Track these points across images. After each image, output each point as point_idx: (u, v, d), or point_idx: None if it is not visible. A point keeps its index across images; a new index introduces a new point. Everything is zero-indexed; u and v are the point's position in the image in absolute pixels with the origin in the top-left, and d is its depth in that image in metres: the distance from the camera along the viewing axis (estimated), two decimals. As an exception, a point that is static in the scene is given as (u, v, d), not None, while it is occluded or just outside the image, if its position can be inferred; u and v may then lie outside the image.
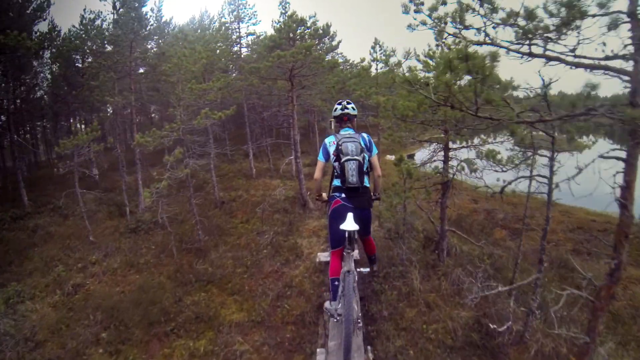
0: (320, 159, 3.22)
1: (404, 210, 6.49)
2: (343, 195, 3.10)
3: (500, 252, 7.93)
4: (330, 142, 3.23)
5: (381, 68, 8.20)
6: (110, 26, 13.18)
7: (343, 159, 3.05)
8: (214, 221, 9.89)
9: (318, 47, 10.84)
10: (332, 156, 3.14)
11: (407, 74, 5.79)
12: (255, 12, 17.60)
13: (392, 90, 9.04)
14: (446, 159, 6.19)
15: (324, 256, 7.02)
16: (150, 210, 10.57)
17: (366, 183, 3.17)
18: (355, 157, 3.05)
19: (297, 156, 10.54)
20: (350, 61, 30.75)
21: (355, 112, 3.33)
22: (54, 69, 17.55)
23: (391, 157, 20.77)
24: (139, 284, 7.59)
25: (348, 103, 3.31)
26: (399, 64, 8.00)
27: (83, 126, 21.34)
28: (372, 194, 3.28)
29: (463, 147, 6.25)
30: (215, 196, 11.73)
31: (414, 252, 6.76)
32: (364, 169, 3.11)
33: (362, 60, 8.13)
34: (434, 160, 6.33)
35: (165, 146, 6.87)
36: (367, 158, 3.14)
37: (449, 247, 7.27)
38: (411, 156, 16.90)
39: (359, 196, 3.08)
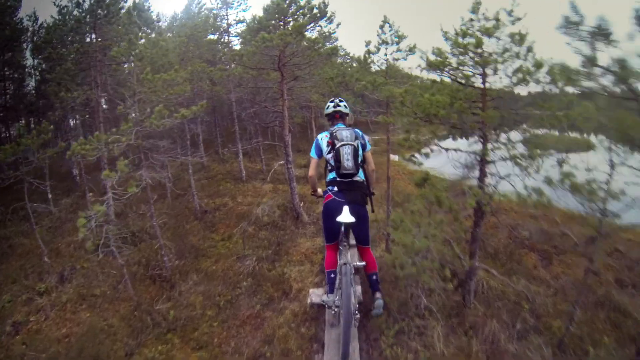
0: (313, 155, 3.25)
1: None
2: (335, 189, 3.09)
3: (536, 287, 6.44)
4: (322, 136, 3.24)
5: (392, 53, 6.51)
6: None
7: (338, 145, 3.02)
8: (189, 239, 8.34)
9: (314, 30, 9.16)
10: (325, 148, 3.16)
11: (433, 57, 4.17)
12: (244, -5, 15.83)
13: (399, 82, 7.37)
14: (482, 176, 4.57)
15: (316, 295, 5.46)
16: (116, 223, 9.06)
17: (361, 175, 3.16)
18: (350, 142, 3.04)
19: (288, 160, 8.93)
20: (351, 54, 29.06)
21: (347, 110, 3.36)
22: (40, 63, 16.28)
23: (394, 157, 19.09)
24: (88, 326, 6.10)
25: (340, 101, 3.33)
26: (414, 47, 6.32)
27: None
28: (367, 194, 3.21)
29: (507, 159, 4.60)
30: (196, 205, 10.17)
31: (433, 294, 5.20)
32: (359, 159, 3.09)
33: (368, 43, 6.43)
34: (467, 177, 4.70)
35: (117, 154, 5.27)
36: (361, 147, 3.12)
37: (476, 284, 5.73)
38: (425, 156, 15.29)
39: (352, 190, 3.06)
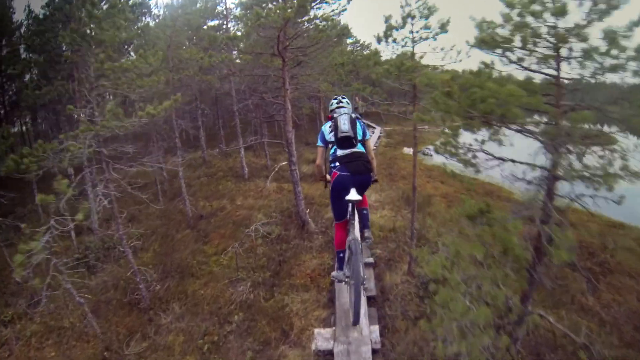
0: (320, 144, 3.46)
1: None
2: (338, 164, 3.26)
3: (587, 321, 5.20)
4: (326, 125, 3.44)
5: (418, 31, 5.10)
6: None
7: (336, 115, 3.31)
8: (177, 255, 7.22)
9: (320, 8, 7.72)
10: (328, 134, 3.33)
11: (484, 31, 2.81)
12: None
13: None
14: (550, 198, 3.17)
15: (324, 337, 4.29)
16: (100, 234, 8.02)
17: (360, 147, 3.34)
18: (347, 113, 3.36)
19: (291, 161, 7.65)
20: (362, 41, 27.18)
21: (349, 107, 3.56)
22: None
23: (408, 151, 17.52)
24: (50, 369, 5.08)
25: (343, 98, 3.59)
26: (447, 23, 4.89)
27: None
28: (370, 164, 3.34)
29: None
30: (188, 211, 9.04)
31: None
32: (357, 128, 3.28)
33: (388, 17, 5.01)
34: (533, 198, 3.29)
35: (67, 165, 4.09)
36: (356, 115, 3.36)
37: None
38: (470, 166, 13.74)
39: (354, 160, 3.23)
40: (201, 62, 7.87)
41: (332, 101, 3.56)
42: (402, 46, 5.19)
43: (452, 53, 5.13)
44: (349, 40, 25.48)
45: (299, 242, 7.30)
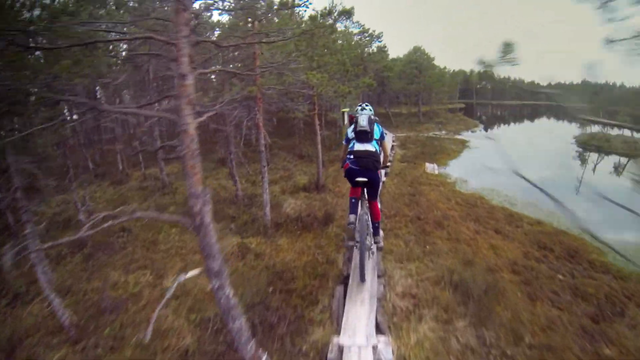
0: (344, 142, 4.37)
1: None
2: (352, 157, 4.05)
3: None
4: (350, 127, 4.23)
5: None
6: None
7: (358, 115, 4.14)
8: None
9: None
10: (350, 134, 4.19)
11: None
12: None
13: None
14: None
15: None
16: None
17: (375, 145, 4.08)
18: (367, 113, 4.14)
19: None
20: (370, 30, 22.83)
21: (370, 111, 4.27)
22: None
23: (432, 168, 13.41)
24: None
25: (366, 105, 4.31)
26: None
27: None
28: (379, 163, 4.11)
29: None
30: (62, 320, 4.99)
31: None
32: (374, 126, 4.08)
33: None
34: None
35: None
36: (375, 118, 4.18)
37: None
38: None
39: (365, 157, 3.98)
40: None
41: (357, 107, 4.33)
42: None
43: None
44: (355, 30, 21.37)
45: None
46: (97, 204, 11.43)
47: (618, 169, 16.91)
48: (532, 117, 53.47)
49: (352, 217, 4.30)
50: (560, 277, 6.54)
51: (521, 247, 7.14)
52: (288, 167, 13.49)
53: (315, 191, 9.64)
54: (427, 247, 6.80)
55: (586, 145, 20.21)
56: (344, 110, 11.71)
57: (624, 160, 18.05)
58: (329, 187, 9.68)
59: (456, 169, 14.39)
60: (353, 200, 4.33)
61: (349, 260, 5.54)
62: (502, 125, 42.12)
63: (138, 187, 13.43)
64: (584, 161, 18.45)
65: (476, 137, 25.22)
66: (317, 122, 9.89)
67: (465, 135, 26.17)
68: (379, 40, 23.00)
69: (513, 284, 5.96)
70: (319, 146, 9.83)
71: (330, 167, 12.92)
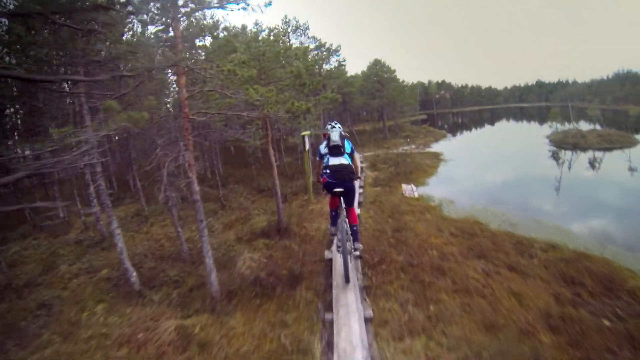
0: (318, 158, 4.61)
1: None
2: (328, 171, 4.33)
3: None
4: (323, 144, 4.55)
5: None
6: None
7: (329, 132, 4.43)
8: None
9: None
10: (324, 149, 4.49)
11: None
12: None
13: None
14: None
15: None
16: None
17: (347, 158, 4.39)
18: (337, 130, 4.45)
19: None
20: (327, 44, 21.79)
21: (340, 129, 4.56)
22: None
23: (410, 190, 11.86)
24: None
25: (335, 123, 4.59)
26: None
27: None
28: (354, 174, 4.42)
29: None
30: None
31: None
32: (344, 140, 4.42)
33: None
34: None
35: None
36: (345, 134, 4.50)
37: None
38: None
39: (340, 171, 4.29)
40: None
41: (327, 126, 4.55)
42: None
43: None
44: (311, 45, 20.21)
45: None
46: (26, 264, 9.08)
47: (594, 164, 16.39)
48: (492, 121, 55.02)
49: (332, 229, 4.86)
50: (607, 322, 4.96)
51: (547, 288, 5.49)
52: (245, 204, 11.37)
53: (277, 236, 7.63)
54: (432, 307, 4.95)
55: (562, 143, 19.84)
56: (304, 133, 9.90)
57: (599, 154, 17.71)
58: (293, 229, 7.66)
59: (437, 188, 12.86)
60: (333, 213, 4.78)
61: (329, 347, 4.19)
62: (465, 131, 42.39)
63: (75, 240, 10.91)
64: (559, 160, 17.83)
65: (449, 148, 24.40)
66: (271, 150, 7.93)
67: (436, 147, 25.33)
68: (337, 54, 22.02)
69: (558, 350, 4.23)
70: (277, 181, 7.87)
71: (295, 201, 10.91)
